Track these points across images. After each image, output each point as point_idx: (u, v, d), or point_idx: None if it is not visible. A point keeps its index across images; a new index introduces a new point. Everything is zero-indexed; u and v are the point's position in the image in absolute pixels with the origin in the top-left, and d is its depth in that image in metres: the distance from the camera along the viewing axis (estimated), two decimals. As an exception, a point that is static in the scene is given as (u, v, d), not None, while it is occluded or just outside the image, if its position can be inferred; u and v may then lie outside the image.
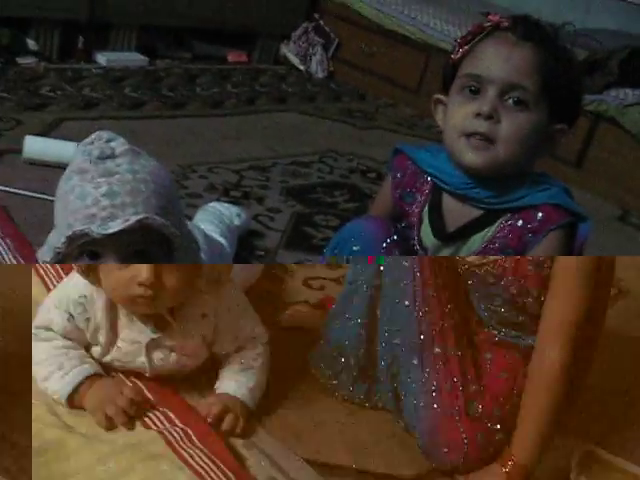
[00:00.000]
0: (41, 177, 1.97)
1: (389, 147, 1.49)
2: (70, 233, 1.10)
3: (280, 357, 1.40)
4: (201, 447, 1.16)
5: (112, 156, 1.14)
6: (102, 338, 1.25)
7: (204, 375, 1.34)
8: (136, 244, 1.15)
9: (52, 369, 1.22)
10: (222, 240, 1.69)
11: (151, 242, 1.16)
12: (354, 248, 1.30)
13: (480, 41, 1.25)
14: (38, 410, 1.19)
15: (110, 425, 1.18)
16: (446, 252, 1.33)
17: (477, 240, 1.30)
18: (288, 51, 3.83)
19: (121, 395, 1.20)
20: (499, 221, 1.28)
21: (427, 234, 1.35)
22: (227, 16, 3.50)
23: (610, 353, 1.69)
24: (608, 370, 1.64)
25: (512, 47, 1.21)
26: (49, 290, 1.43)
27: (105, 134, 1.17)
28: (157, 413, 1.23)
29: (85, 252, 1.15)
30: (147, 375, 1.29)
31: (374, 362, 1.36)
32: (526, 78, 1.20)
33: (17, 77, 2.79)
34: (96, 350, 1.27)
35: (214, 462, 1.14)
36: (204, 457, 1.14)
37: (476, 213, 1.30)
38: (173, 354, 1.27)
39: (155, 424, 1.20)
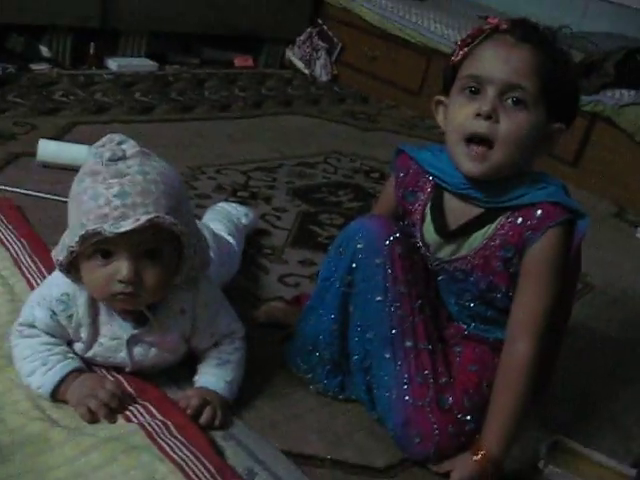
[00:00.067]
0: (55, 179, 1.97)
1: (391, 148, 1.49)
2: (83, 232, 1.11)
3: (256, 351, 1.42)
4: (180, 438, 1.17)
5: (123, 158, 1.14)
6: (84, 334, 1.25)
7: (183, 369, 1.35)
8: (147, 243, 1.15)
9: (36, 365, 1.22)
10: (230, 239, 1.69)
11: (161, 240, 1.16)
12: (358, 246, 1.30)
13: (480, 43, 1.24)
14: (23, 405, 1.19)
15: (93, 418, 1.19)
16: (448, 249, 1.33)
17: (478, 237, 1.29)
18: (293, 55, 3.83)
19: (103, 389, 1.21)
20: (499, 219, 1.28)
21: (429, 232, 1.34)
22: (233, 22, 3.50)
23: (577, 345, 1.71)
24: (575, 361, 1.67)
25: (511, 49, 1.21)
26: (32, 288, 1.43)
27: (116, 137, 1.17)
28: (138, 406, 1.23)
29: (98, 251, 1.15)
30: (128, 370, 1.29)
31: (347, 356, 1.37)
32: (525, 79, 1.20)
33: (31, 83, 2.79)
34: (78, 346, 1.27)
35: (193, 453, 1.15)
36: (183, 448, 1.15)
37: (477, 211, 1.30)
38: (153, 349, 1.28)
39: (136, 417, 1.21)
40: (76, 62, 3.10)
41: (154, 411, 1.23)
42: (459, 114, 1.24)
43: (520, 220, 1.26)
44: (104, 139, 1.17)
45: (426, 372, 1.28)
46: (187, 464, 1.12)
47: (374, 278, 1.29)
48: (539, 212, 1.24)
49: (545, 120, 1.23)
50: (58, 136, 2.31)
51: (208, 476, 1.11)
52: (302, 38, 3.81)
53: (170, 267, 1.20)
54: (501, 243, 1.27)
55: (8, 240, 1.62)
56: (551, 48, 1.24)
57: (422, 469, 1.28)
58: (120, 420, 1.20)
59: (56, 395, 1.21)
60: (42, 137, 2.16)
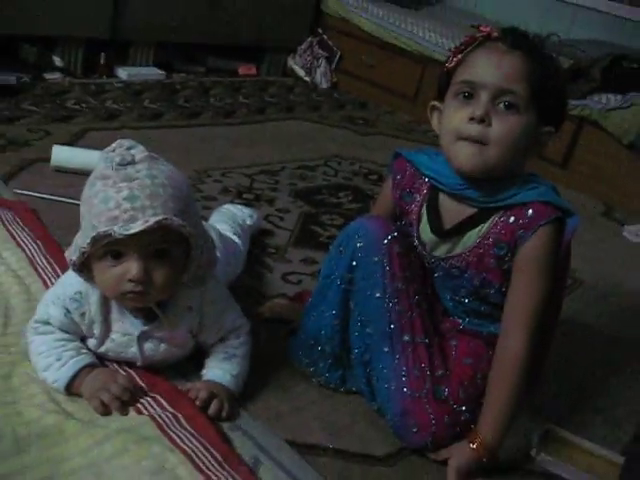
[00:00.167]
0: (67, 183, 1.97)
1: (389, 151, 1.49)
2: (95, 234, 1.11)
3: (261, 346, 1.42)
4: (190, 429, 1.17)
5: (132, 162, 1.14)
6: (97, 331, 1.25)
7: (191, 363, 1.35)
8: (156, 243, 1.15)
9: (51, 360, 1.22)
10: (236, 239, 1.69)
11: (170, 241, 1.16)
12: (358, 245, 1.30)
13: (472, 50, 1.24)
14: (39, 398, 1.19)
15: (105, 411, 1.19)
16: (443, 247, 1.33)
17: (472, 236, 1.29)
18: (294, 64, 3.83)
19: (115, 383, 1.21)
20: (492, 218, 1.28)
21: (425, 231, 1.34)
22: (237, 33, 3.49)
23: (567, 338, 1.71)
24: (566, 354, 1.67)
25: (502, 55, 1.21)
26: (47, 287, 1.42)
27: (126, 142, 1.17)
28: (148, 399, 1.23)
29: (109, 252, 1.15)
30: (139, 364, 1.29)
31: (348, 350, 1.37)
32: (516, 83, 1.20)
33: (44, 92, 2.79)
34: (91, 342, 1.27)
35: (202, 443, 1.15)
36: (193, 439, 1.15)
37: (471, 211, 1.30)
38: (162, 344, 1.28)
39: (147, 409, 1.21)
40: (87, 71, 3.10)
41: (164, 403, 1.23)
42: (453, 118, 1.24)
43: (512, 219, 1.26)
44: (114, 144, 1.17)
45: (423, 365, 1.28)
46: (196, 454, 1.12)
47: (373, 275, 1.29)
48: (530, 211, 1.24)
49: (535, 123, 1.23)
50: (71, 142, 2.31)
51: (216, 465, 1.11)
52: (303, 47, 3.81)
53: (178, 266, 1.20)
54: (494, 241, 1.27)
55: (24, 242, 1.62)
56: (540, 55, 1.23)
57: (420, 457, 1.28)
58: (131, 412, 1.20)
59: (70, 389, 1.21)
60: (55, 143, 2.15)
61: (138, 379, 1.28)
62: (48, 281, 1.48)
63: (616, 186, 2.85)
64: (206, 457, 1.12)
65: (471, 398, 1.28)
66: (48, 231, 1.71)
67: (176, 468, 1.09)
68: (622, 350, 1.80)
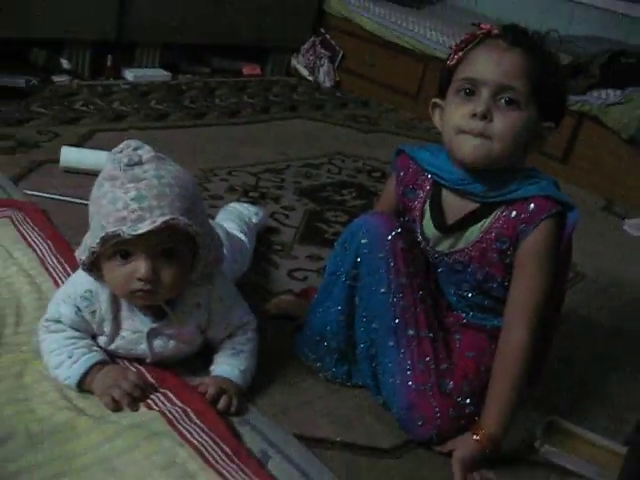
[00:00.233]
0: (76, 183, 1.97)
1: (392, 148, 1.48)
2: (103, 234, 1.11)
3: (268, 342, 1.42)
4: (199, 424, 1.17)
5: (139, 163, 1.14)
6: (107, 328, 1.25)
7: (199, 359, 1.35)
8: (163, 243, 1.15)
9: (63, 358, 1.22)
10: (242, 236, 1.69)
11: (177, 241, 1.16)
12: (362, 241, 1.30)
13: (473, 48, 1.24)
14: (51, 395, 1.20)
15: (116, 407, 1.19)
16: (446, 242, 1.32)
17: (475, 231, 1.29)
18: (298, 63, 3.82)
19: (126, 380, 1.21)
20: (494, 213, 1.28)
21: (429, 227, 1.34)
22: (242, 33, 3.49)
23: (569, 331, 1.71)
24: (568, 346, 1.67)
25: (503, 52, 1.21)
26: (58, 286, 1.42)
27: (133, 143, 1.17)
28: (158, 395, 1.23)
29: (117, 251, 1.15)
30: (148, 361, 1.29)
31: (354, 345, 1.37)
32: (516, 80, 1.19)
33: (53, 94, 2.79)
34: (102, 339, 1.27)
35: (211, 437, 1.15)
36: (202, 433, 1.15)
37: (473, 206, 1.30)
38: (171, 341, 1.28)
39: (157, 404, 1.21)
40: (95, 73, 3.10)
41: (174, 398, 1.23)
42: (455, 114, 1.23)
43: (514, 213, 1.25)
44: (121, 145, 1.17)
45: (428, 359, 1.28)
46: (206, 449, 1.12)
47: (378, 271, 1.29)
48: (532, 206, 1.24)
49: (536, 119, 1.23)
50: (79, 143, 2.31)
51: (226, 459, 1.11)
52: (306, 47, 3.80)
53: (186, 265, 1.19)
54: (496, 236, 1.27)
55: (35, 242, 1.62)
56: (540, 51, 1.23)
57: (426, 450, 1.28)
58: (142, 408, 1.20)
59: (82, 386, 1.22)
60: (64, 144, 2.16)
61: (148, 375, 1.28)
62: (59, 280, 1.49)
63: (616, 180, 2.84)
64: (216, 451, 1.12)
65: (475, 391, 1.28)
66: (58, 231, 1.71)
67: (186, 463, 1.09)
68: (623, 342, 1.80)
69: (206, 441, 1.14)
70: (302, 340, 1.45)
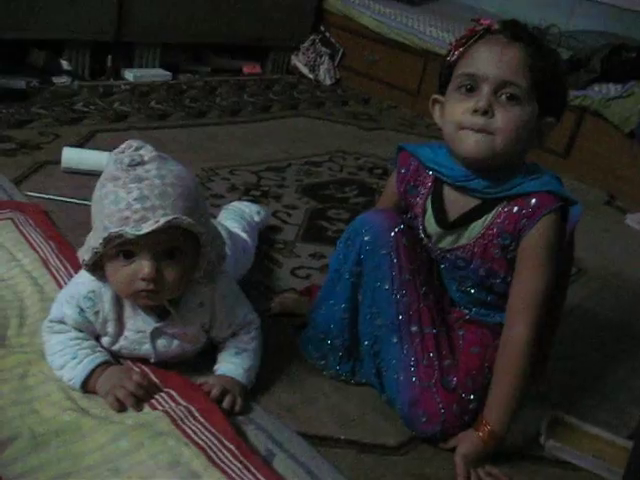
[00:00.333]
0: (78, 184, 1.97)
1: (393, 145, 1.48)
2: (106, 235, 1.11)
3: (271, 340, 1.42)
4: (204, 422, 1.17)
5: (141, 163, 1.14)
6: (110, 329, 1.26)
7: (203, 359, 1.35)
8: (166, 242, 1.15)
9: (67, 358, 1.22)
10: (244, 235, 1.69)
11: (180, 240, 1.16)
12: (365, 238, 1.30)
13: (473, 43, 1.23)
14: (55, 396, 1.20)
15: (121, 407, 1.19)
16: (449, 239, 1.32)
17: (477, 227, 1.29)
18: (298, 61, 3.82)
19: (130, 380, 1.21)
20: (496, 208, 1.27)
21: (431, 223, 1.34)
22: (241, 32, 3.49)
23: (572, 326, 1.71)
24: (572, 341, 1.67)
25: (503, 47, 1.20)
26: (61, 287, 1.43)
27: (134, 143, 1.17)
28: (162, 394, 1.23)
29: (120, 251, 1.15)
30: (152, 361, 1.29)
31: (358, 343, 1.37)
32: (517, 75, 1.19)
33: (53, 95, 2.79)
34: (105, 340, 1.28)
35: (216, 436, 1.15)
36: (206, 432, 1.15)
37: (475, 202, 1.29)
38: (175, 341, 1.28)
39: (161, 404, 1.21)
40: (95, 74, 3.10)
41: (178, 398, 1.23)
42: (456, 111, 1.23)
43: (516, 209, 1.25)
44: (123, 145, 1.17)
45: (431, 355, 1.28)
46: (210, 448, 1.13)
47: (381, 268, 1.29)
48: (533, 201, 1.24)
49: (537, 114, 1.23)
50: (80, 144, 2.31)
51: (230, 457, 1.11)
52: (306, 45, 3.80)
53: (189, 264, 1.20)
54: (498, 231, 1.27)
55: (37, 243, 1.62)
56: (541, 46, 1.23)
57: (431, 446, 1.28)
58: (146, 408, 1.20)
59: (86, 386, 1.22)
60: (65, 145, 2.16)
61: (152, 375, 1.28)
62: (62, 281, 1.49)
63: (618, 175, 2.83)
64: (220, 450, 1.12)
65: (479, 387, 1.28)
66: (60, 232, 1.71)
67: (191, 462, 1.09)
68: (626, 337, 1.80)
69: (211, 440, 1.14)
70: (306, 338, 1.45)
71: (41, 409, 1.16)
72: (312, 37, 3.81)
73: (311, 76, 3.77)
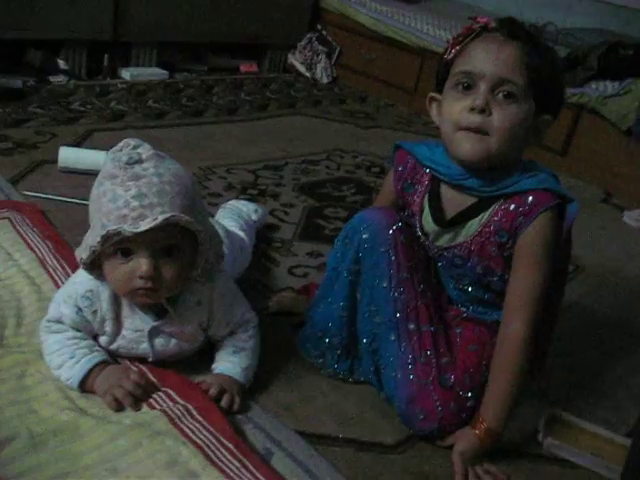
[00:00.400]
0: (75, 183, 1.98)
1: (390, 143, 1.48)
2: (104, 233, 1.11)
3: (269, 339, 1.42)
4: (201, 421, 1.17)
5: (139, 161, 1.14)
6: (108, 328, 1.25)
7: (201, 358, 1.35)
8: (164, 240, 1.15)
9: (65, 358, 1.22)
10: (242, 234, 1.69)
11: (178, 238, 1.16)
12: (363, 236, 1.30)
13: (470, 41, 1.23)
14: (53, 396, 1.20)
15: (119, 407, 1.19)
16: (446, 237, 1.33)
17: (474, 225, 1.29)
18: (295, 60, 3.82)
19: (128, 380, 1.21)
20: (493, 206, 1.27)
21: (428, 221, 1.34)
22: (238, 31, 3.49)
23: (570, 323, 1.72)
24: (569, 338, 1.67)
25: (500, 45, 1.20)
26: (58, 287, 1.42)
27: (132, 141, 1.17)
28: (160, 394, 1.23)
29: (118, 249, 1.15)
30: (150, 360, 1.29)
31: (356, 341, 1.37)
32: (514, 73, 1.19)
33: (50, 94, 2.79)
34: (103, 339, 1.27)
35: (213, 435, 1.15)
36: (204, 431, 1.15)
37: (472, 200, 1.30)
38: (173, 339, 1.28)
39: (159, 404, 1.21)
40: (91, 73, 3.10)
41: (176, 397, 1.23)
42: (453, 109, 1.23)
43: (513, 207, 1.25)
44: (121, 144, 1.17)
45: (429, 352, 1.28)
46: (208, 446, 1.13)
47: (379, 265, 1.29)
48: (530, 198, 1.24)
49: (534, 112, 1.23)
50: (77, 143, 2.31)
51: (229, 456, 1.11)
52: (303, 43, 3.80)
53: (187, 262, 1.20)
54: (495, 229, 1.27)
55: (34, 243, 1.62)
56: (538, 44, 1.23)
57: (428, 444, 1.28)
58: (144, 407, 1.20)
59: (84, 386, 1.22)
60: (62, 145, 2.16)
61: (150, 374, 1.28)
62: (59, 281, 1.49)
63: (615, 172, 2.84)
64: (218, 449, 1.13)
65: (476, 384, 1.28)
66: (57, 231, 1.71)
67: (189, 461, 1.09)
68: (623, 334, 1.80)
69: (209, 439, 1.14)
70: (304, 337, 1.45)
71: (39, 409, 1.16)
72: (309, 35, 3.81)
73: (308, 74, 3.77)
